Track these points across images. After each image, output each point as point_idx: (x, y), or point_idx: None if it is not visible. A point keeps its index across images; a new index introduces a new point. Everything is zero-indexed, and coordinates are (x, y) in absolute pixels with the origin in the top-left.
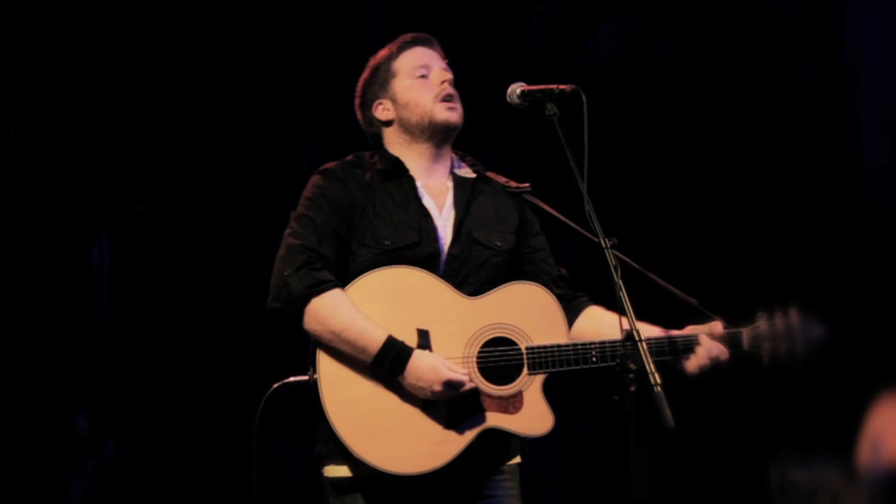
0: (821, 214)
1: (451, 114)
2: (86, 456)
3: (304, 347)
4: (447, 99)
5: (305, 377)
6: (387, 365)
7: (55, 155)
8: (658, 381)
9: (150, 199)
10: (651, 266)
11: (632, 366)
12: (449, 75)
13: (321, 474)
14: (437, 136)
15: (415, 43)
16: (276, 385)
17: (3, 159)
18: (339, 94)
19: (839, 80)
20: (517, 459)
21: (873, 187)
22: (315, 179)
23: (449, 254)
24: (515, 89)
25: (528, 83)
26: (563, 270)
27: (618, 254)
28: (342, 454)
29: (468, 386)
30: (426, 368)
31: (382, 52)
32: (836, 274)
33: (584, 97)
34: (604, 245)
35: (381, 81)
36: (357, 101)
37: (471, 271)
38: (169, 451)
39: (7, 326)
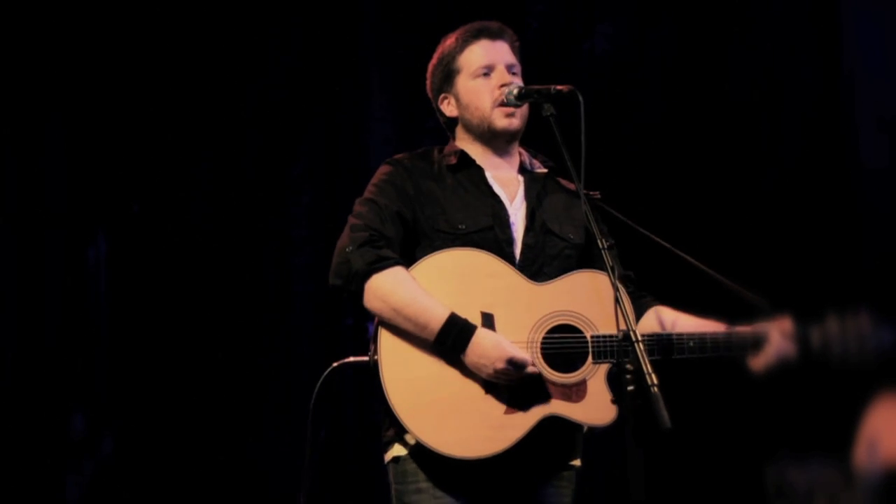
0: (818, 216)
1: (509, 121)
2: (82, 456)
3: (303, 345)
4: (504, 106)
5: (366, 357)
6: (449, 342)
7: (52, 155)
8: (655, 381)
9: (147, 200)
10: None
11: (629, 366)
12: (509, 77)
13: (384, 458)
14: (497, 139)
15: (480, 35)
16: (335, 364)
17: (1, 160)
18: (337, 94)
19: (836, 82)
20: (577, 462)
21: (871, 188)
22: (382, 168)
23: (524, 243)
24: (513, 89)
25: (526, 83)
26: (630, 273)
27: (667, 245)
28: (402, 436)
29: (531, 368)
30: (490, 345)
31: (449, 41)
32: (832, 275)
33: (580, 98)
34: (601, 246)
35: (446, 75)
36: (428, 88)
37: (545, 261)
38: (166, 452)
39: (4, 327)
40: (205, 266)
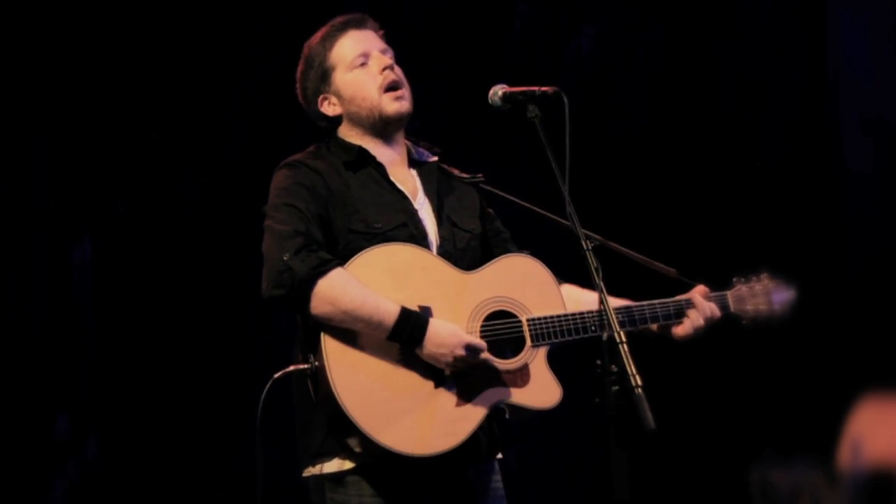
0: (802, 217)
1: (400, 104)
2: (67, 458)
3: (290, 347)
4: (392, 87)
5: (305, 366)
6: (406, 335)
7: (37, 155)
8: (639, 382)
9: (132, 200)
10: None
11: (613, 367)
12: (388, 60)
13: (311, 471)
14: (390, 126)
15: (346, 27)
16: (277, 375)
17: None
18: None
19: (821, 84)
20: (499, 455)
21: (854, 190)
22: (283, 171)
23: (440, 236)
24: (497, 91)
25: (510, 85)
26: (529, 252)
27: (590, 234)
28: (344, 444)
29: (485, 355)
30: (447, 334)
31: (315, 43)
32: (817, 276)
33: (565, 99)
34: (585, 247)
35: (320, 75)
36: (299, 95)
37: (458, 255)
38: (150, 453)
39: None
40: (190, 266)
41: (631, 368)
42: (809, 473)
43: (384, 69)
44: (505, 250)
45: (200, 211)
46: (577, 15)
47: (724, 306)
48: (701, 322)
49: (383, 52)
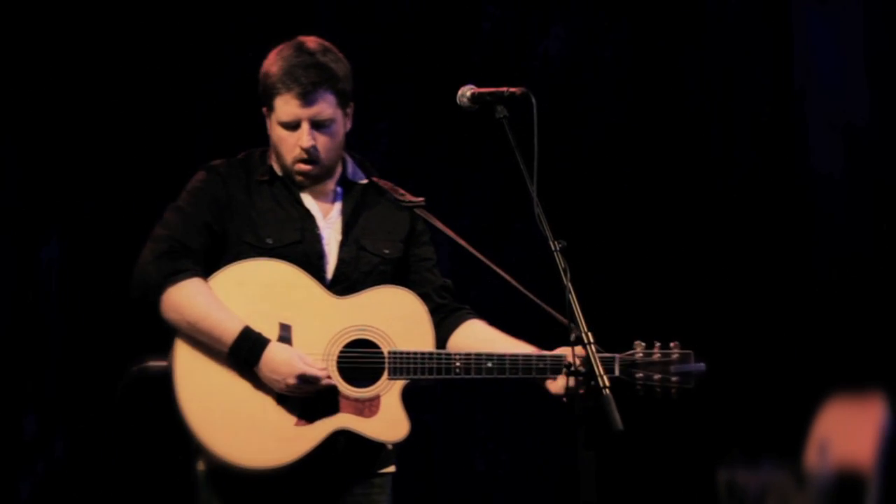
0: (770, 221)
1: (302, 179)
2: (34, 458)
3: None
4: (303, 163)
5: (162, 363)
6: (242, 356)
7: (5, 154)
8: (607, 384)
9: (101, 200)
10: (597, 270)
11: (581, 368)
12: (307, 141)
13: (194, 468)
14: (295, 182)
15: (294, 88)
16: (134, 368)
17: None
18: None
19: (789, 86)
20: (391, 468)
21: (822, 194)
22: (198, 175)
23: (340, 258)
24: (465, 92)
25: (479, 86)
26: (448, 281)
27: (503, 275)
28: (199, 450)
29: (324, 382)
30: (281, 361)
31: (276, 69)
32: (784, 279)
33: (533, 100)
34: (553, 248)
35: (265, 96)
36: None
37: (359, 278)
38: (118, 453)
39: None
40: None
41: (599, 370)
42: (777, 474)
43: (303, 149)
44: (420, 279)
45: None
46: (545, 16)
47: (608, 369)
48: (574, 384)
49: (317, 122)
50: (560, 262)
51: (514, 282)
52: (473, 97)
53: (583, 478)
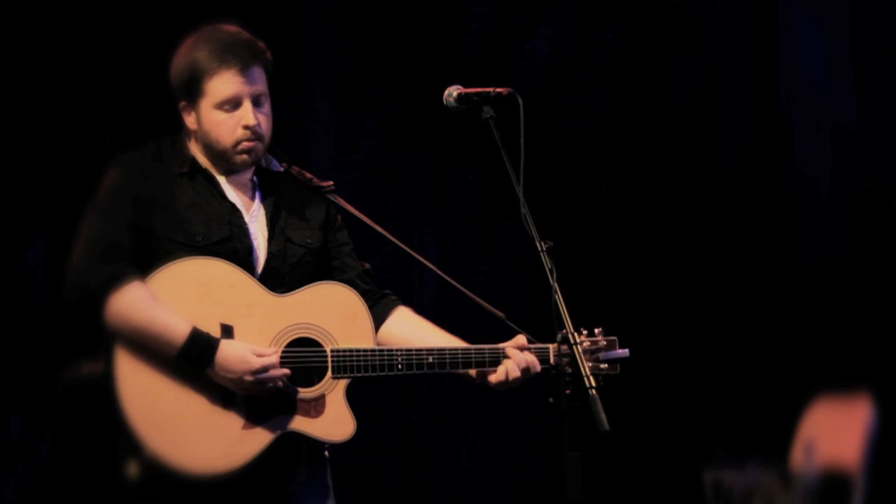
0: (756, 222)
1: (246, 158)
2: (20, 458)
3: None
4: (247, 144)
5: (96, 368)
6: (193, 357)
7: None
8: (593, 384)
9: (87, 199)
10: (585, 268)
11: (567, 369)
12: (252, 118)
13: (121, 473)
14: (233, 169)
15: (231, 60)
16: (67, 373)
17: None
18: (277, 94)
19: (775, 86)
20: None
21: (808, 195)
22: (115, 170)
23: (269, 252)
24: (452, 92)
25: (465, 86)
26: (368, 265)
27: (434, 268)
28: (135, 454)
29: (278, 372)
30: (235, 358)
31: (202, 52)
32: (770, 280)
33: (520, 100)
34: (540, 248)
35: (189, 87)
36: (171, 81)
37: (288, 271)
38: (104, 454)
39: None
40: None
41: (585, 370)
42: (763, 474)
43: (245, 127)
44: (341, 264)
45: None
46: (532, 16)
47: (543, 359)
48: (517, 373)
49: (256, 98)
50: (546, 262)
51: (432, 266)
52: (460, 97)
53: (569, 478)
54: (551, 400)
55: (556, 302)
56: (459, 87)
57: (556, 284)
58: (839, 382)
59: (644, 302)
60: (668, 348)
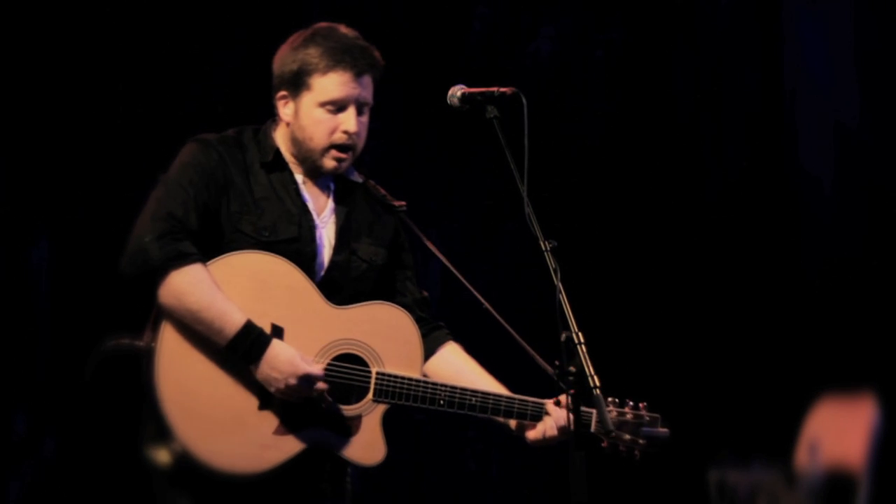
0: (760, 221)
1: (336, 165)
2: (23, 458)
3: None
4: (340, 150)
5: (141, 343)
6: (243, 350)
7: None
8: (597, 384)
9: (89, 201)
10: (585, 269)
11: (571, 368)
12: (353, 126)
13: (147, 455)
14: (319, 173)
15: (345, 64)
16: (109, 343)
17: None
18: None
19: (779, 86)
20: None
21: (813, 194)
22: (193, 147)
23: (332, 261)
24: (456, 92)
25: (469, 86)
26: (426, 293)
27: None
28: (164, 437)
29: (321, 386)
30: (283, 360)
31: (314, 50)
32: (774, 279)
33: (524, 100)
34: (544, 248)
35: (294, 77)
36: (274, 69)
37: (347, 283)
38: (108, 454)
39: None
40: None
41: (589, 370)
42: (767, 474)
43: (345, 132)
44: (401, 287)
45: None
46: (536, 16)
47: (585, 424)
48: (555, 432)
49: (360, 106)
50: (551, 262)
51: (494, 312)
52: (464, 97)
53: (573, 478)
54: (556, 401)
55: (559, 302)
56: (463, 86)
57: (559, 284)
58: (844, 382)
59: (648, 300)
60: (672, 347)
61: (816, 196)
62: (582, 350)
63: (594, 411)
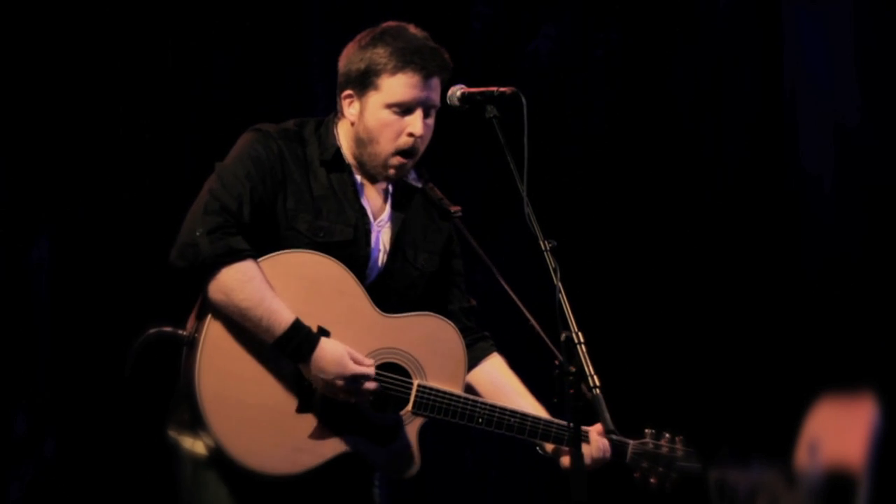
0: (760, 221)
1: (397, 171)
2: (23, 458)
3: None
4: (403, 155)
5: (181, 331)
6: (289, 349)
7: None
8: (597, 384)
9: (90, 200)
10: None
11: (571, 368)
12: (419, 129)
13: (173, 433)
14: (377, 177)
15: (415, 65)
16: (152, 331)
17: None
18: (281, 95)
19: (779, 86)
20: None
21: (813, 194)
22: (252, 137)
23: (385, 267)
24: (456, 91)
25: (469, 85)
26: (474, 302)
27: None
28: (197, 427)
29: (370, 385)
30: (332, 360)
31: (382, 49)
32: (774, 279)
33: (524, 99)
34: (543, 248)
35: (362, 78)
36: (340, 66)
37: (397, 289)
38: (108, 454)
39: None
40: (147, 266)
41: (589, 369)
42: (767, 473)
43: (411, 135)
44: (450, 294)
45: (159, 212)
46: (535, 16)
47: (620, 453)
48: (589, 461)
49: (427, 109)
50: (550, 261)
51: (532, 319)
52: (463, 97)
53: (573, 477)
54: (556, 400)
55: (559, 301)
56: (463, 86)
57: (559, 283)
58: (843, 381)
59: (648, 300)
60: (672, 346)
61: (816, 196)
62: (581, 350)
63: (630, 442)
